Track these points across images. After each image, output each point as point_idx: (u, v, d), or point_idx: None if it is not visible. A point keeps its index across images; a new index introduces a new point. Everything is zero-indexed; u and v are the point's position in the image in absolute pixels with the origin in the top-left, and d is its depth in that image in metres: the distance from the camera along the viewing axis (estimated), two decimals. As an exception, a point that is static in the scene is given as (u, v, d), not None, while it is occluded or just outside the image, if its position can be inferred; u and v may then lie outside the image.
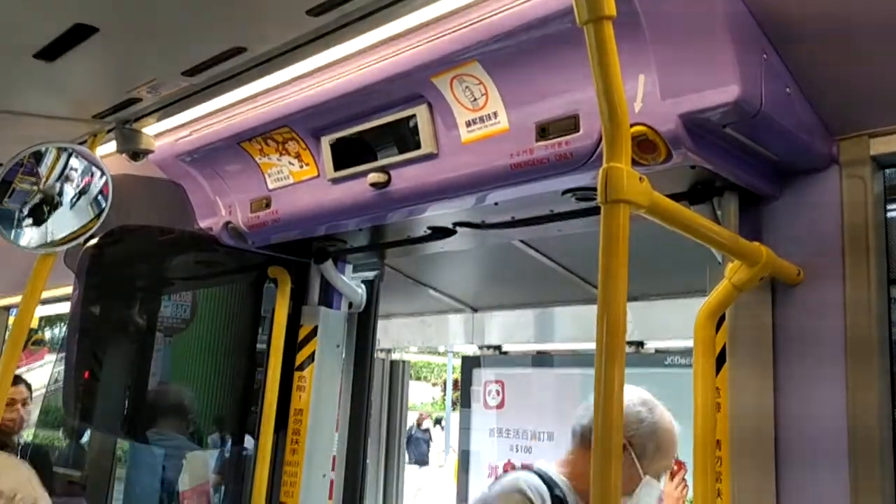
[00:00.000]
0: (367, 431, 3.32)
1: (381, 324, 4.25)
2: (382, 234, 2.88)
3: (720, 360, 1.86)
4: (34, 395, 4.92)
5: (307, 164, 2.54)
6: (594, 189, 2.00)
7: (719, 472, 1.81)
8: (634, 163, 1.67)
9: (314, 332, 3.13)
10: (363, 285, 3.29)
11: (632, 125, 1.61)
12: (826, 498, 1.75)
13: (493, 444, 5.40)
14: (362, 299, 3.28)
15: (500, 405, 5.42)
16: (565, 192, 2.10)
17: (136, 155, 2.62)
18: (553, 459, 2.79)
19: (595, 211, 2.21)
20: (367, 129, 2.32)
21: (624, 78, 1.41)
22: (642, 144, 1.73)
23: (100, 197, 2.54)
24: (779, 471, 1.82)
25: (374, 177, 2.34)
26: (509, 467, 5.21)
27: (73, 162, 2.52)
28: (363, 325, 3.30)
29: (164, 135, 2.72)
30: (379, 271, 3.32)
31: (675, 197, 1.82)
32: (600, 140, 1.82)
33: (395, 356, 6.98)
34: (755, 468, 1.82)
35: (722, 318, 1.87)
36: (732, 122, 1.69)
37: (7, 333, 5.41)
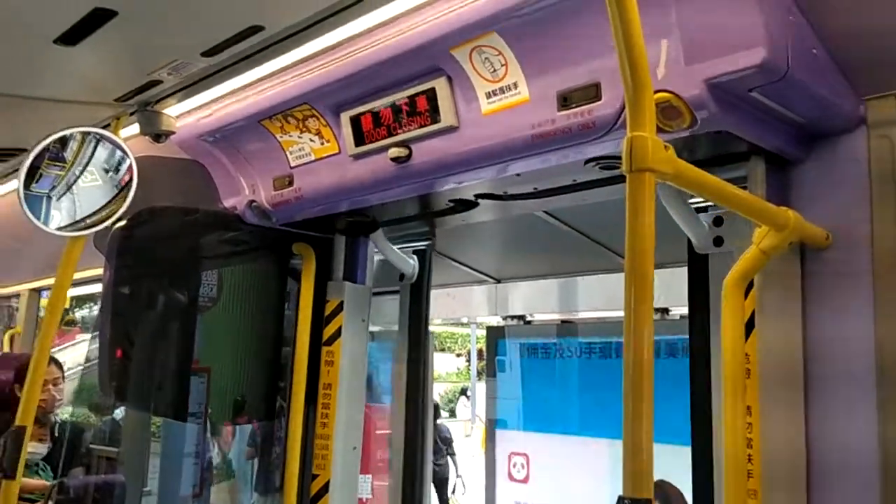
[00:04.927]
0: (425, 404, 3.23)
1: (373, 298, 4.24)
2: (406, 207, 2.89)
3: (749, 327, 1.85)
4: (68, 374, 5.01)
5: (328, 141, 2.55)
6: (618, 157, 2.00)
7: (750, 439, 1.81)
8: (658, 129, 1.66)
9: (340, 306, 3.16)
10: (415, 256, 3.24)
11: (655, 92, 1.59)
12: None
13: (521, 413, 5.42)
14: (414, 270, 3.24)
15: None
16: (588, 161, 2.08)
17: (159, 136, 2.65)
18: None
19: (619, 179, 2.19)
20: (387, 104, 2.32)
21: (646, 44, 1.39)
22: (666, 111, 1.71)
23: (125, 179, 2.57)
24: (809, 435, 1.81)
25: (394, 151, 2.33)
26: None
27: (98, 146, 2.55)
28: (416, 296, 3.27)
29: (185, 115, 2.73)
30: (431, 241, 3.26)
31: (701, 163, 1.80)
32: (623, 108, 1.80)
33: (420, 328, 7.02)
34: (786, 426, 1.82)
35: (750, 285, 1.86)
36: (758, 86, 1.67)
37: (39, 315, 5.52)
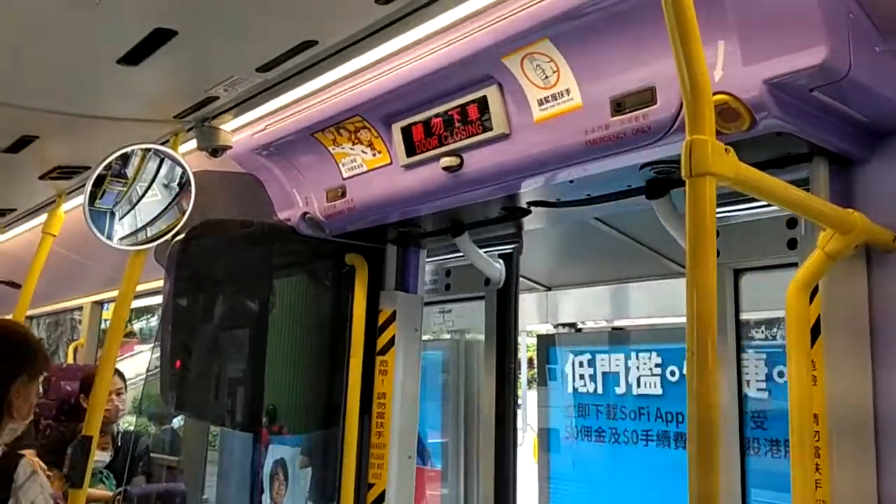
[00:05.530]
0: (515, 413, 3.11)
1: (453, 305, 4.22)
2: (456, 216, 2.89)
3: (815, 333, 1.80)
4: (128, 384, 5.14)
5: (379, 152, 2.57)
6: (674, 162, 1.97)
7: (817, 447, 1.76)
8: (716, 132, 1.63)
9: (393, 316, 3.18)
10: (501, 260, 3.12)
11: (713, 94, 1.56)
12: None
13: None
14: (501, 275, 3.10)
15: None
16: (643, 166, 2.06)
17: (215, 151, 2.70)
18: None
19: (676, 184, 2.16)
20: (438, 114, 2.33)
21: (703, 45, 1.37)
22: (724, 113, 1.68)
23: (183, 194, 2.64)
24: (879, 443, 1.76)
25: (446, 161, 2.34)
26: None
27: (157, 162, 2.62)
28: (503, 302, 3.13)
29: (240, 130, 2.79)
30: (517, 244, 3.10)
31: (761, 165, 1.77)
32: (679, 111, 1.78)
33: (469, 336, 7.01)
34: (854, 441, 1.76)
35: (815, 289, 1.81)
36: (820, 86, 1.63)
37: (101, 327, 5.68)
